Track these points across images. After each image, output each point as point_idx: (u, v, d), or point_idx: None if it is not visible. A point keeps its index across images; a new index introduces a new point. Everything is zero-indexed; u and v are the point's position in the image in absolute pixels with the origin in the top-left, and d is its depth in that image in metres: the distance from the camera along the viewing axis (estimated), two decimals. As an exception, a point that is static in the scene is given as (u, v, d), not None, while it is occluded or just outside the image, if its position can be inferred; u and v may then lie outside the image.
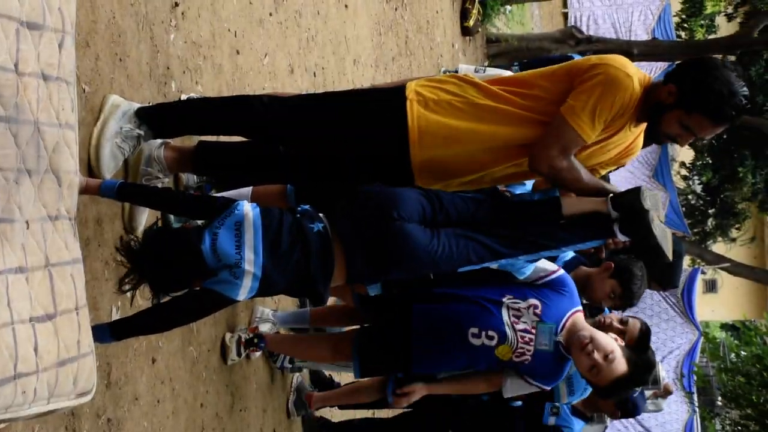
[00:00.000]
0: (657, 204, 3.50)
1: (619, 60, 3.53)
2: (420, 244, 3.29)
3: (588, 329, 4.08)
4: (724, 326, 33.39)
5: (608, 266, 4.78)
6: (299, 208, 3.28)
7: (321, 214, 3.29)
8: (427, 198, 3.42)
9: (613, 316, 4.90)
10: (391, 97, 3.60)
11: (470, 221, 3.45)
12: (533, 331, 4.10)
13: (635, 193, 3.46)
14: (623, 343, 4.10)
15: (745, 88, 3.50)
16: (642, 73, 3.58)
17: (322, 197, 3.46)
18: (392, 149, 3.55)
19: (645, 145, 3.90)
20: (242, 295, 3.08)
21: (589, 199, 3.61)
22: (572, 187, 3.57)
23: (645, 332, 4.83)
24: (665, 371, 16.45)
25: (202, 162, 3.80)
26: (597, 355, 3.95)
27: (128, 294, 3.05)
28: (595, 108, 3.44)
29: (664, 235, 3.49)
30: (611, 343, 4.01)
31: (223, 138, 4.31)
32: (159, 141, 3.73)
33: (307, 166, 3.78)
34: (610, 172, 4.70)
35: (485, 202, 3.51)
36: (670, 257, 3.57)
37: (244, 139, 4.00)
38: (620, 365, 3.97)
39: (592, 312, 4.95)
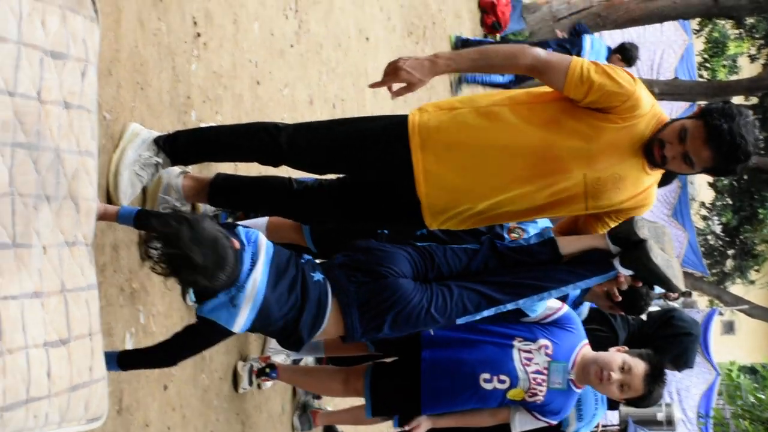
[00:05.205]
0: (658, 234, 3.43)
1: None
2: (412, 298, 3.32)
3: (592, 359, 4.15)
4: (742, 368, 33.09)
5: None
6: (303, 257, 3.33)
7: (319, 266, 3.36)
8: (420, 254, 3.44)
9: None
10: (398, 116, 3.64)
11: (464, 274, 3.46)
12: (545, 371, 4.12)
13: (629, 223, 3.41)
14: (626, 349, 4.22)
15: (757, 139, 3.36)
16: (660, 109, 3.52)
17: (328, 244, 3.48)
18: (397, 165, 3.50)
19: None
20: (237, 326, 3.05)
21: (586, 236, 3.59)
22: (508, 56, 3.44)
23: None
24: (680, 411, 16.31)
25: (217, 195, 3.82)
26: (616, 375, 4.01)
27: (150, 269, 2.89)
28: (594, 72, 3.34)
29: (668, 264, 3.40)
30: (617, 356, 4.13)
31: (241, 171, 4.35)
32: (178, 170, 3.77)
33: (320, 205, 3.78)
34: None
35: (479, 252, 3.50)
36: (682, 287, 3.52)
37: (261, 174, 4.03)
38: (638, 366, 4.08)
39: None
